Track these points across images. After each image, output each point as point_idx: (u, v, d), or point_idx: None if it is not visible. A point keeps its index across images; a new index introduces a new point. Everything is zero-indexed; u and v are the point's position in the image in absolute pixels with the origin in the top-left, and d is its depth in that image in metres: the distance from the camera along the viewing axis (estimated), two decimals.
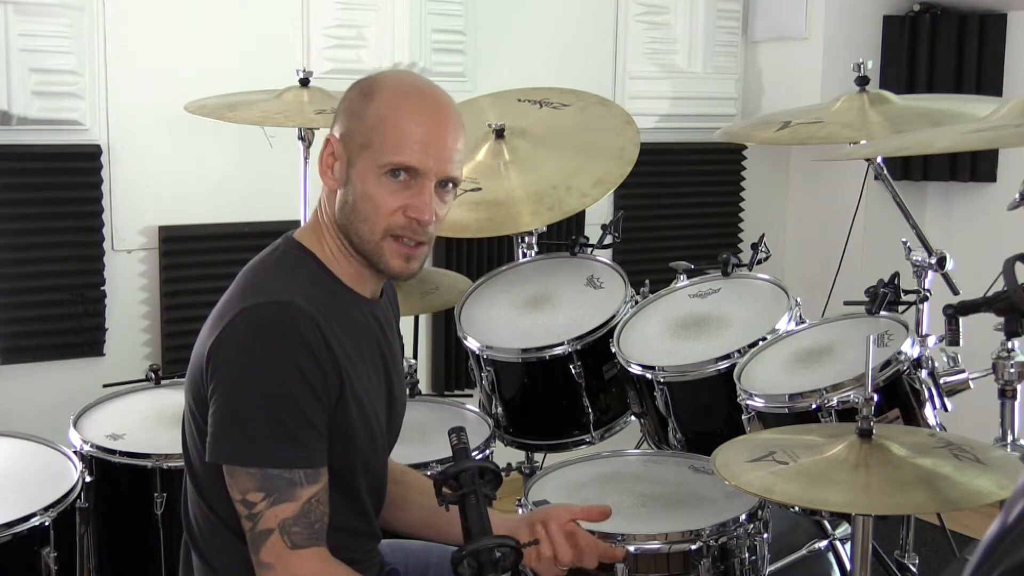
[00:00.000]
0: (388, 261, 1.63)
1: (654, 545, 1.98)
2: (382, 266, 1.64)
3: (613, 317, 2.58)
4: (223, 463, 1.57)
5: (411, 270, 1.66)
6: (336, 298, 1.65)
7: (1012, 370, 2.18)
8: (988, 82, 3.91)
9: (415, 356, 3.21)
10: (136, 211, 3.23)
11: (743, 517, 2.02)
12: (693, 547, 1.97)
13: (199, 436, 1.63)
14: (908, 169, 4.05)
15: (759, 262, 2.73)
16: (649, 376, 2.42)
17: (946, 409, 2.22)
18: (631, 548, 1.96)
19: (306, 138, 2.93)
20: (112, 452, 2.34)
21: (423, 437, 2.47)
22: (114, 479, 2.35)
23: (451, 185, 1.64)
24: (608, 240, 2.92)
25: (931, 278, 2.62)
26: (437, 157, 1.59)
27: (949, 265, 2.61)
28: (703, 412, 2.46)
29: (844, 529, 2.35)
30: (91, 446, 2.35)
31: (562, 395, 2.58)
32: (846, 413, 2.09)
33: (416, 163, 1.58)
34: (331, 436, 1.60)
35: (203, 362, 1.59)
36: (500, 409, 2.64)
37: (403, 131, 1.58)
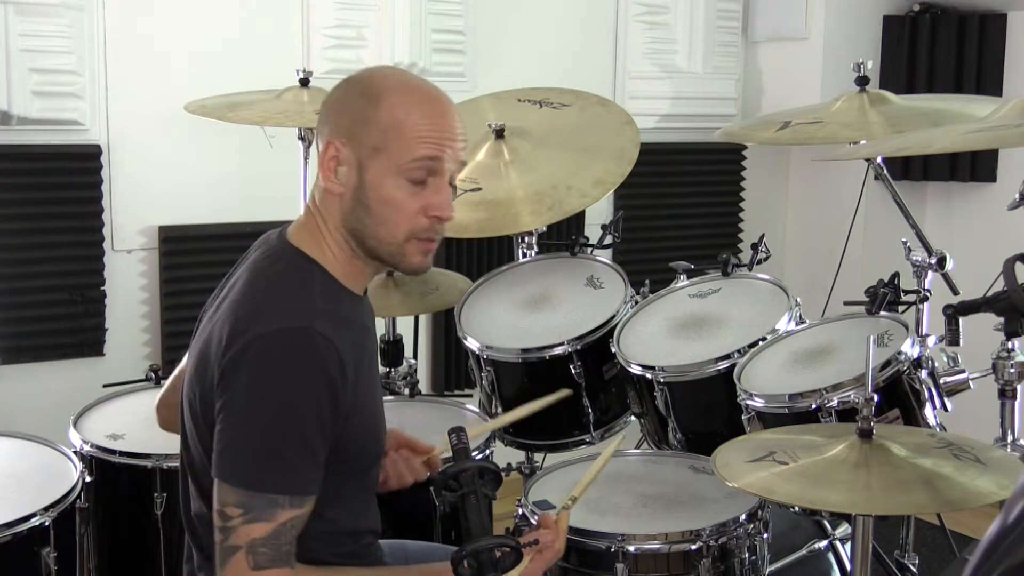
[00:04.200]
0: (411, 260, 1.65)
1: (654, 545, 1.98)
2: (403, 265, 1.65)
3: (613, 317, 2.58)
4: (218, 479, 1.57)
5: (429, 265, 1.67)
6: (341, 304, 1.65)
7: (1012, 370, 2.19)
8: (988, 82, 3.91)
9: (415, 356, 3.21)
10: (136, 211, 3.23)
11: (743, 517, 2.02)
12: (693, 547, 1.97)
13: (199, 435, 1.64)
14: (908, 169, 4.05)
15: (759, 262, 2.73)
16: (649, 376, 2.42)
17: (946, 409, 2.22)
18: (631, 548, 1.96)
19: (306, 138, 2.93)
20: (112, 452, 2.34)
21: (423, 437, 2.46)
22: (114, 479, 2.35)
23: (455, 182, 1.67)
24: (608, 240, 2.92)
25: (931, 278, 2.62)
26: (452, 146, 1.61)
27: (949, 265, 2.61)
28: (703, 412, 2.46)
29: (844, 529, 2.35)
30: (91, 446, 2.35)
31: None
32: (846, 413, 2.09)
33: (437, 153, 1.59)
34: (344, 448, 1.61)
35: (214, 371, 1.58)
36: (500, 409, 2.64)
37: (419, 128, 1.58)
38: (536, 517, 1.75)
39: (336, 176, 1.62)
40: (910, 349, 2.17)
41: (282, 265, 1.65)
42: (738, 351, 2.37)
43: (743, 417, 2.24)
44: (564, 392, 2.30)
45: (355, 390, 1.61)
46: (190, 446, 1.69)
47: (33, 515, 2.05)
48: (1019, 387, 2.20)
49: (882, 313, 2.35)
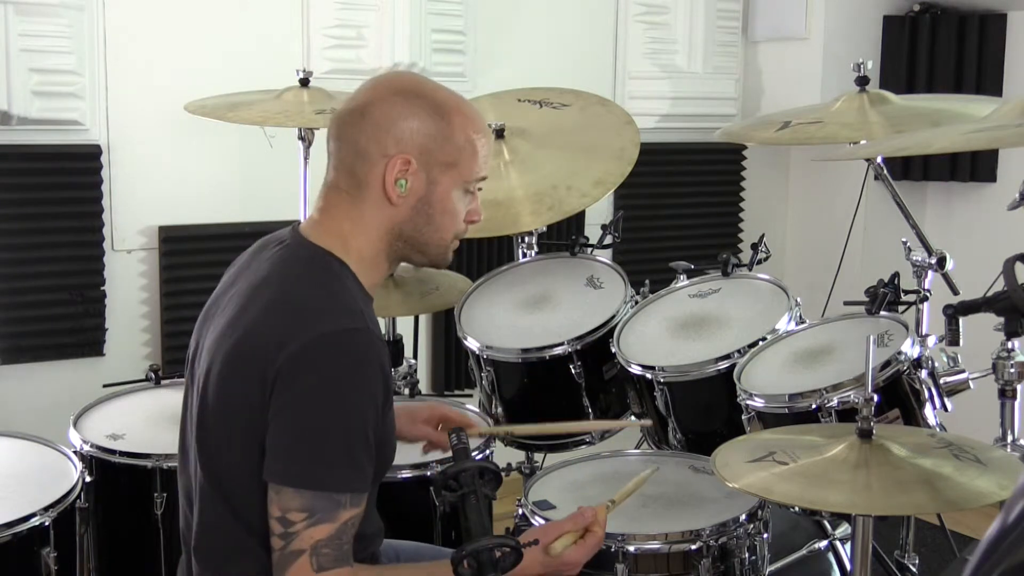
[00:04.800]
0: (449, 257, 1.80)
1: (654, 545, 1.98)
2: (443, 262, 1.80)
3: (613, 317, 2.58)
4: (278, 483, 1.56)
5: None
6: (369, 305, 1.70)
7: (1012, 370, 2.19)
8: (988, 82, 3.91)
9: (415, 356, 3.21)
10: (136, 211, 3.23)
11: (743, 517, 2.02)
12: (693, 547, 1.97)
13: (231, 440, 1.62)
14: (908, 169, 4.05)
15: (759, 262, 2.73)
16: (649, 376, 2.42)
17: (946, 409, 2.22)
18: (631, 548, 1.96)
19: (306, 138, 2.93)
20: (112, 452, 2.34)
21: None
22: (114, 479, 2.35)
23: None
24: (608, 240, 2.92)
25: (931, 278, 2.62)
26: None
27: (949, 265, 2.61)
28: (703, 412, 2.46)
29: (844, 529, 2.35)
30: (91, 446, 2.35)
31: (562, 395, 2.57)
32: (846, 413, 2.09)
33: (487, 174, 1.77)
34: (378, 447, 1.63)
35: (264, 373, 1.57)
36: (500, 409, 2.64)
37: (482, 150, 1.74)
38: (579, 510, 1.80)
39: (399, 187, 1.67)
40: (910, 349, 2.17)
41: (316, 266, 1.67)
42: (738, 351, 2.37)
43: (743, 417, 2.24)
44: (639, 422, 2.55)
45: (392, 388, 1.69)
46: (213, 455, 1.65)
47: (33, 515, 2.05)
48: (1019, 387, 2.20)
49: (882, 313, 2.35)
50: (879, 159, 2.74)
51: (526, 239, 2.91)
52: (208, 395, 1.64)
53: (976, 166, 3.98)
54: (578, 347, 2.53)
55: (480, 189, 1.77)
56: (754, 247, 2.75)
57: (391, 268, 1.78)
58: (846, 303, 2.45)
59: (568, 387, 2.55)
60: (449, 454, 1.74)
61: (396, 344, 3.04)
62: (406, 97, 1.68)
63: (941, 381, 2.22)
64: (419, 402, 2.30)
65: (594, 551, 1.71)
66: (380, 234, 1.70)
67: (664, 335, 2.54)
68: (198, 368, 1.70)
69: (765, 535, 2.07)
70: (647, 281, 2.71)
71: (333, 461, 1.56)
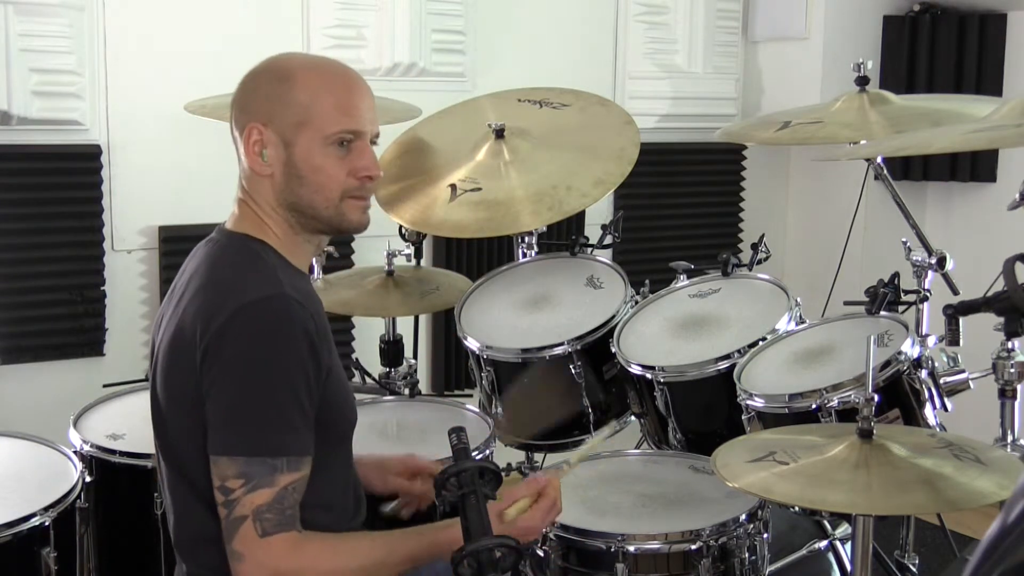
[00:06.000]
0: (350, 218, 1.75)
1: (654, 545, 1.98)
2: (345, 225, 1.76)
3: (613, 317, 2.58)
4: (215, 454, 1.61)
5: (367, 221, 1.78)
6: (298, 278, 1.74)
7: (1012, 370, 2.19)
8: (988, 82, 3.91)
9: (415, 356, 3.20)
10: (136, 211, 3.23)
11: (743, 517, 2.02)
12: (693, 547, 1.97)
13: (181, 427, 1.67)
14: (908, 169, 4.05)
15: (759, 262, 2.73)
16: (649, 376, 2.42)
17: (946, 409, 2.22)
18: (631, 548, 1.96)
19: None
20: (112, 452, 2.34)
21: (423, 437, 2.47)
22: (114, 479, 2.35)
23: (376, 140, 1.78)
24: (608, 240, 2.92)
25: (931, 278, 2.62)
26: (370, 118, 1.74)
27: (949, 265, 2.61)
28: (703, 412, 2.46)
29: (844, 529, 2.34)
30: (91, 446, 2.35)
31: (562, 395, 2.57)
32: (846, 413, 2.09)
33: (359, 126, 1.72)
34: (325, 410, 1.67)
35: (193, 355, 1.63)
36: (500, 409, 2.64)
37: (338, 102, 1.70)
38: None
39: (262, 158, 1.72)
40: (910, 349, 2.17)
41: (235, 249, 1.74)
42: (738, 351, 2.36)
43: (743, 417, 2.24)
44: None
45: (328, 352, 1.69)
46: (171, 443, 1.71)
47: (33, 515, 2.04)
48: (1019, 387, 2.20)
49: (882, 313, 2.35)
50: (879, 159, 2.74)
51: (526, 239, 2.91)
52: (158, 389, 1.72)
53: (976, 166, 3.98)
54: (578, 347, 2.53)
55: (348, 141, 1.70)
56: (754, 247, 2.75)
57: (311, 241, 1.78)
58: (846, 303, 2.45)
59: (568, 387, 2.55)
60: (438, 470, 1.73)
61: (396, 344, 3.04)
62: (254, 73, 1.77)
63: (941, 381, 2.22)
64: (388, 455, 2.10)
65: (550, 515, 1.73)
66: (275, 208, 1.74)
67: (664, 335, 2.54)
68: (152, 370, 1.77)
69: (765, 535, 2.07)
70: (647, 281, 2.71)
71: (264, 426, 1.60)
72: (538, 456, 2.86)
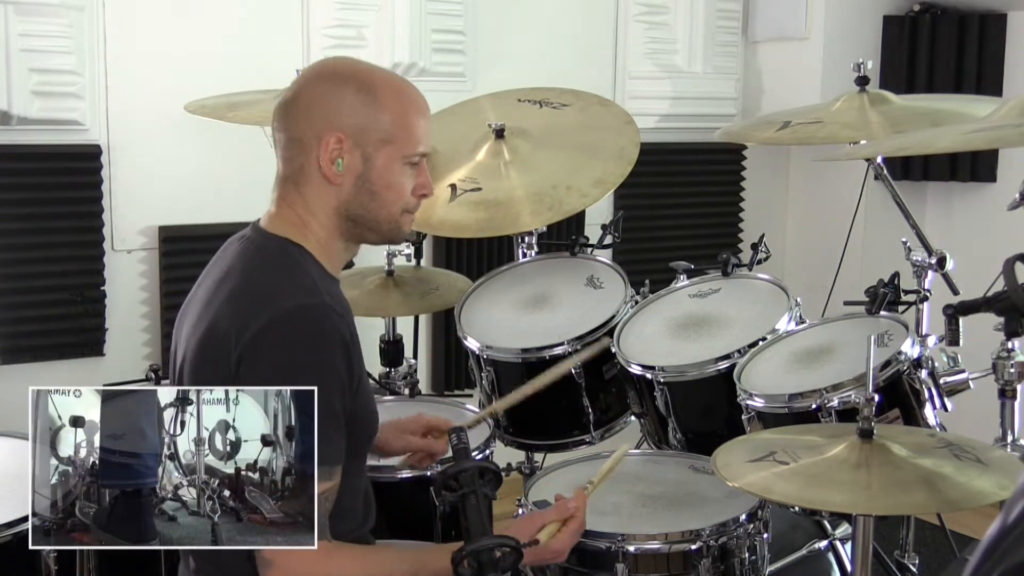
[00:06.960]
0: (404, 231, 1.82)
1: (654, 545, 1.98)
2: (397, 238, 1.84)
3: (613, 317, 2.58)
4: None
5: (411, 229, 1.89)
6: (333, 285, 1.75)
7: (1012, 370, 2.19)
8: (988, 82, 3.91)
9: (415, 356, 3.20)
10: (136, 211, 3.23)
11: (743, 517, 2.02)
12: (693, 547, 1.97)
13: None
14: (908, 169, 4.05)
15: (759, 262, 2.73)
16: (649, 376, 2.42)
17: (946, 409, 2.22)
18: (631, 548, 1.96)
19: None
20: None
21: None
22: None
23: None
24: (608, 240, 2.92)
25: (931, 278, 2.62)
26: (432, 141, 1.81)
27: (949, 265, 2.61)
28: (703, 412, 2.46)
29: (844, 529, 2.34)
30: None
31: (562, 395, 2.57)
32: (846, 413, 2.08)
33: (429, 150, 1.79)
34: (352, 421, 1.67)
35: (227, 361, 1.61)
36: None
37: (419, 126, 1.76)
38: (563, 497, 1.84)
39: (337, 166, 1.71)
40: (910, 349, 2.17)
41: (274, 252, 1.72)
42: (738, 351, 2.37)
43: (743, 417, 2.24)
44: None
45: (359, 361, 1.70)
46: None
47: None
48: (1019, 387, 2.20)
49: (882, 313, 2.35)
50: (879, 159, 2.74)
51: (526, 239, 2.91)
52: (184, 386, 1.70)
53: (976, 166, 3.98)
54: (578, 347, 2.53)
55: (417, 161, 1.77)
56: (754, 247, 2.75)
57: (351, 249, 1.81)
58: (846, 303, 2.45)
59: (568, 387, 2.55)
60: (448, 453, 1.74)
61: (396, 344, 3.04)
62: (333, 80, 1.75)
63: (941, 381, 2.22)
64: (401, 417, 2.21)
65: (577, 536, 1.77)
66: (329, 215, 1.74)
67: (664, 335, 2.54)
68: (175, 364, 1.76)
69: (765, 535, 2.07)
70: (647, 281, 2.71)
71: None
72: (538, 456, 2.86)
